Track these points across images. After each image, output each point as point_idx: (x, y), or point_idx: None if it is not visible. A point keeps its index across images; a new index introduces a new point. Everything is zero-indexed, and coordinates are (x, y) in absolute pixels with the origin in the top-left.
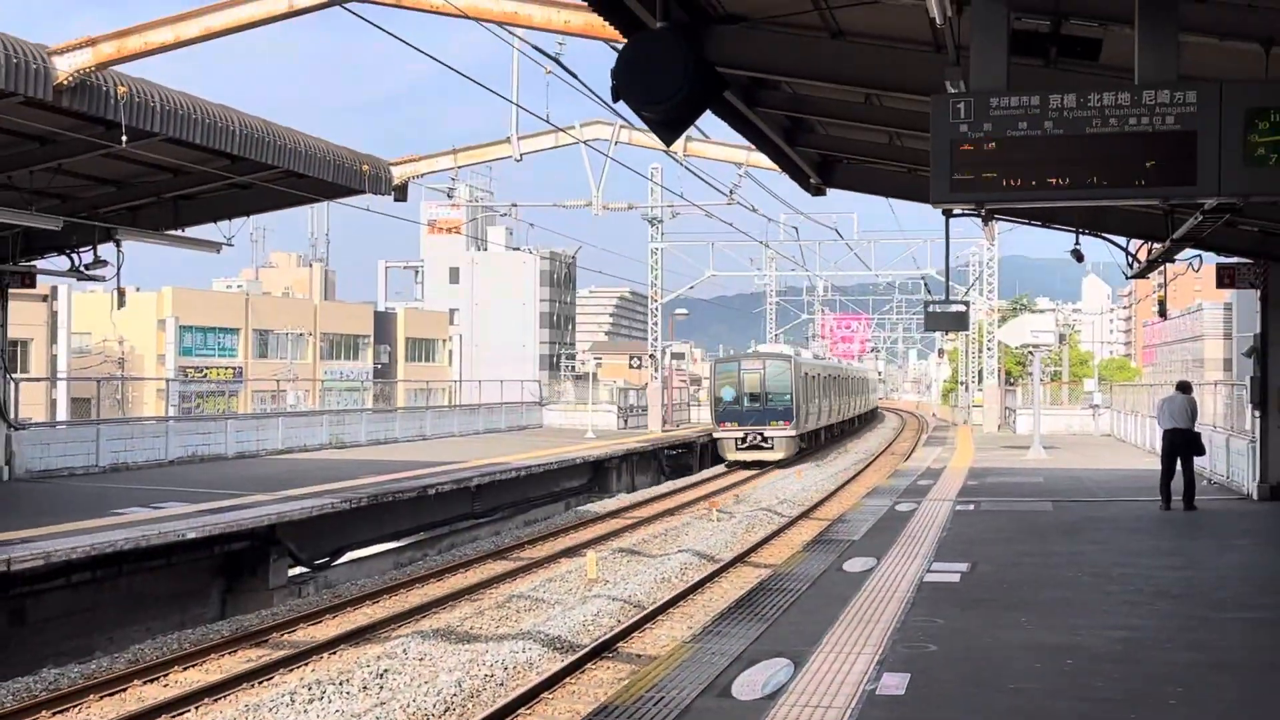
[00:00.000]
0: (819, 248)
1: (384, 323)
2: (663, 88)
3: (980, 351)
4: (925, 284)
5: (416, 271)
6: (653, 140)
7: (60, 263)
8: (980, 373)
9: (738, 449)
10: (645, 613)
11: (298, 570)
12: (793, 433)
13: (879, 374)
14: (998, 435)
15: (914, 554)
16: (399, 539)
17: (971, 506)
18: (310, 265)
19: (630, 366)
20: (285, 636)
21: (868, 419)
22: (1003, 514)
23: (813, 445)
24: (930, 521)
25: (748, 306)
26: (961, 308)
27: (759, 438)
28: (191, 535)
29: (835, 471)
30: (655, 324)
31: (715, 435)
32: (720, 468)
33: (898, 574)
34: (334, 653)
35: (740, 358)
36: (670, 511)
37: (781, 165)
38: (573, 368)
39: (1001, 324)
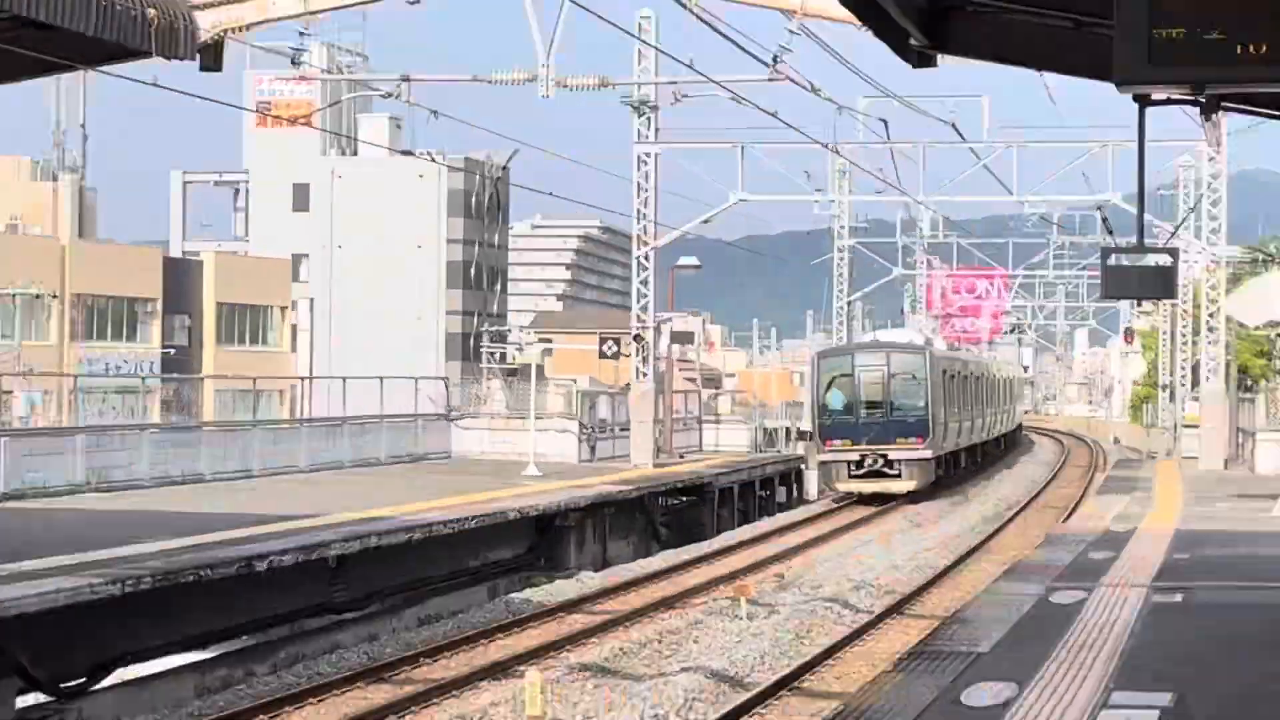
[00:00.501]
0: (924, 156)
1: (181, 277)
2: None
3: (1196, 334)
4: (1103, 219)
5: (237, 191)
6: None
7: None
8: (1195, 370)
9: (851, 476)
10: None
11: (33, 699)
12: (928, 454)
13: (1025, 370)
14: (1224, 475)
15: (1079, 677)
16: (206, 646)
17: (1178, 598)
18: (55, 180)
19: (602, 355)
20: None
21: (1007, 444)
22: (1232, 611)
23: (950, 473)
24: (1107, 622)
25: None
26: (1165, 259)
27: (881, 461)
28: None
29: (947, 536)
30: (644, 283)
31: (821, 458)
32: (762, 525)
33: (1052, 712)
34: None
35: (855, 349)
36: (669, 602)
37: (862, 15)
38: (503, 355)
39: (1233, 288)
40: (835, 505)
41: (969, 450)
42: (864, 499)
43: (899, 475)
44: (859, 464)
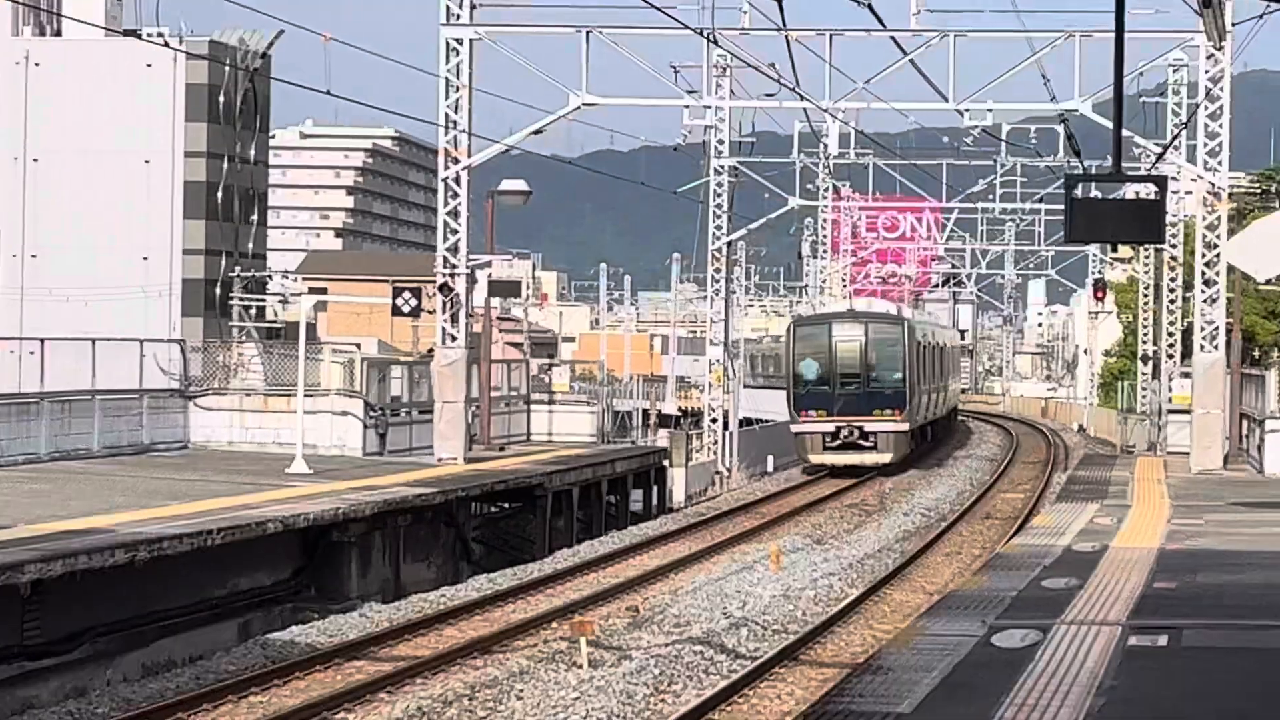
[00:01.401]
0: (830, 48)
1: None
2: None
3: (1189, 290)
4: (1068, 135)
5: None
6: None
7: None
8: (1186, 337)
9: (826, 448)
10: None
11: None
12: (905, 427)
13: (961, 335)
14: (1222, 476)
15: None
16: None
17: (1162, 640)
18: None
19: (396, 311)
20: None
21: (941, 431)
22: (1232, 658)
23: (920, 445)
24: (1069, 674)
25: (665, 176)
26: (1149, 190)
27: (857, 433)
28: None
29: (858, 555)
30: (454, 214)
31: (794, 429)
32: (611, 541)
33: None
34: None
35: (832, 318)
36: (485, 644)
37: None
38: (261, 310)
39: (1237, 228)
40: (710, 514)
41: (932, 424)
42: (836, 472)
43: (875, 448)
44: (834, 436)
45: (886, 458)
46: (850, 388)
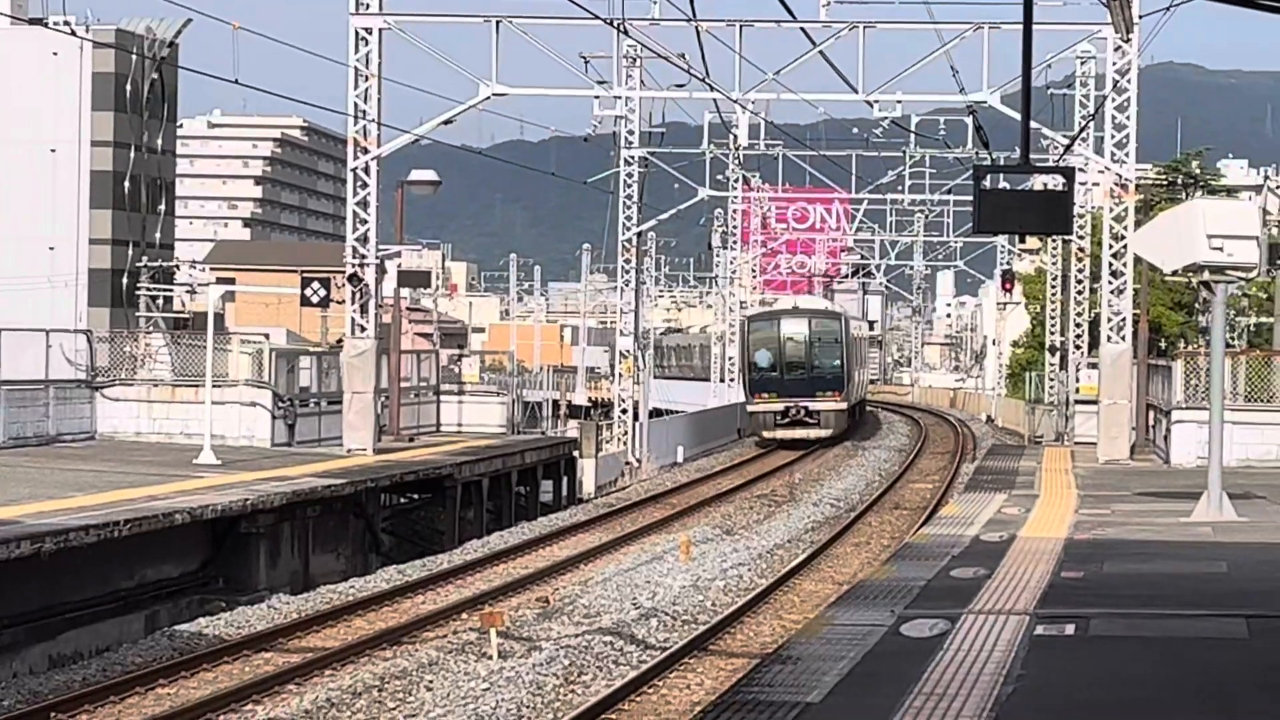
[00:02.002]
0: (740, 38)
1: None
2: None
3: (1096, 280)
4: (976, 126)
5: None
6: None
7: None
8: (1094, 328)
9: (777, 425)
10: None
11: None
12: (843, 405)
13: (871, 327)
14: (1129, 466)
15: None
16: None
17: (1069, 629)
18: None
19: (305, 302)
20: None
21: (851, 423)
22: (1138, 646)
23: (854, 420)
24: (977, 662)
25: (576, 167)
26: (1057, 181)
27: (803, 411)
28: None
29: (767, 545)
30: (363, 204)
31: (750, 409)
32: (521, 532)
33: None
34: None
35: (780, 314)
36: (395, 635)
37: None
38: (168, 300)
39: (1145, 219)
40: (621, 505)
41: (860, 403)
42: (785, 444)
43: (819, 424)
44: (784, 414)
45: (828, 432)
46: (797, 373)
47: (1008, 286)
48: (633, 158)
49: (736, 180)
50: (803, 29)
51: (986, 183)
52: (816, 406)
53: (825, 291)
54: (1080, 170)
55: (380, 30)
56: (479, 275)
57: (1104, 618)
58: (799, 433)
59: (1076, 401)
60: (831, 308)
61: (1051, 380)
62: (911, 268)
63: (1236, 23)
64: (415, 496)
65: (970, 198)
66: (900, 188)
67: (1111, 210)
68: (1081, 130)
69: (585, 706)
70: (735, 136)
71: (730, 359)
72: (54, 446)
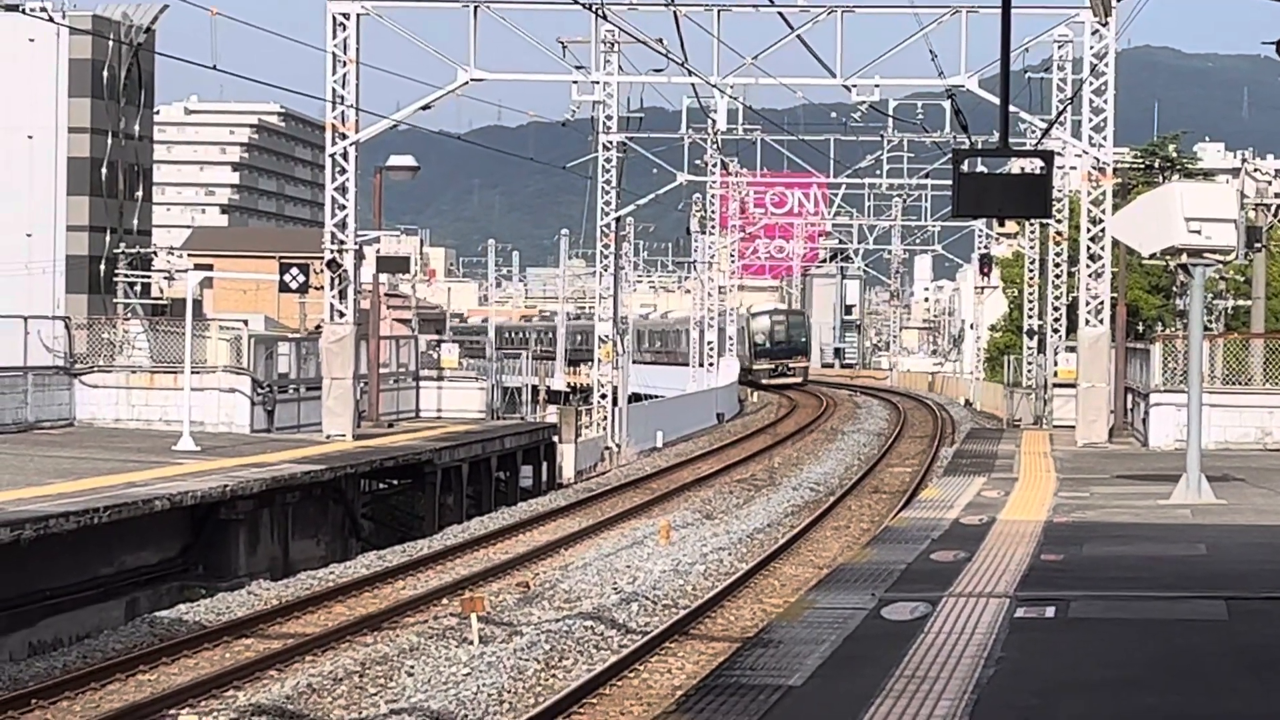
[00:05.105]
0: (718, 22)
1: None
2: None
3: (1074, 264)
4: (955, 110)
5: None
6: None
7: None
8: (1072, 311)
9: (769, 377)
10: None
11: None
12: (806, 364)
13: (850, 311)
14: (1107, 449)
15: (921, 719)
16: None
17: (1050, 611)
18: None
19: (283, 288)
20: None
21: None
22: (1118, 628)
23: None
24: (957, 645)
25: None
26: (1036, 165)
27: (784, 368)
28: None
29: (747, 530)
30: (342, 190)
31: (755, 367)
32: (500, 517)
33: None
34: None
35: (770, 313)
36: (375, 621)
37: None
38: (146, 287)
39: (1122, 202)
40: (601, 490)
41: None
42: (772, 388)
43: (794, 374)
44: (774, 371)
45: (799, 379)
46: (780, 346)
47: (985, 270)
48: (611, 143)
49: (715, 165)
50: (780, 13)
51: (965, 166)
52: (792, 365)
53: (803, 275)
54: (1058, 154)
55: (358, 15)
56: (457, 261)
57: (1084, 600)
58: (781, 380)
59: (1055, 385)
60: (797, 308)
61: (1030, 364)
62: (890, 252)
63: (1213, 6)
64: (395, 482)
65: (948, 182)
66: (878, 172)
67: (1089, 194)
68: (1060, 114)
69: (566, 691)
70: (713, 121)
71: (710, 344)
72: (32, 433)
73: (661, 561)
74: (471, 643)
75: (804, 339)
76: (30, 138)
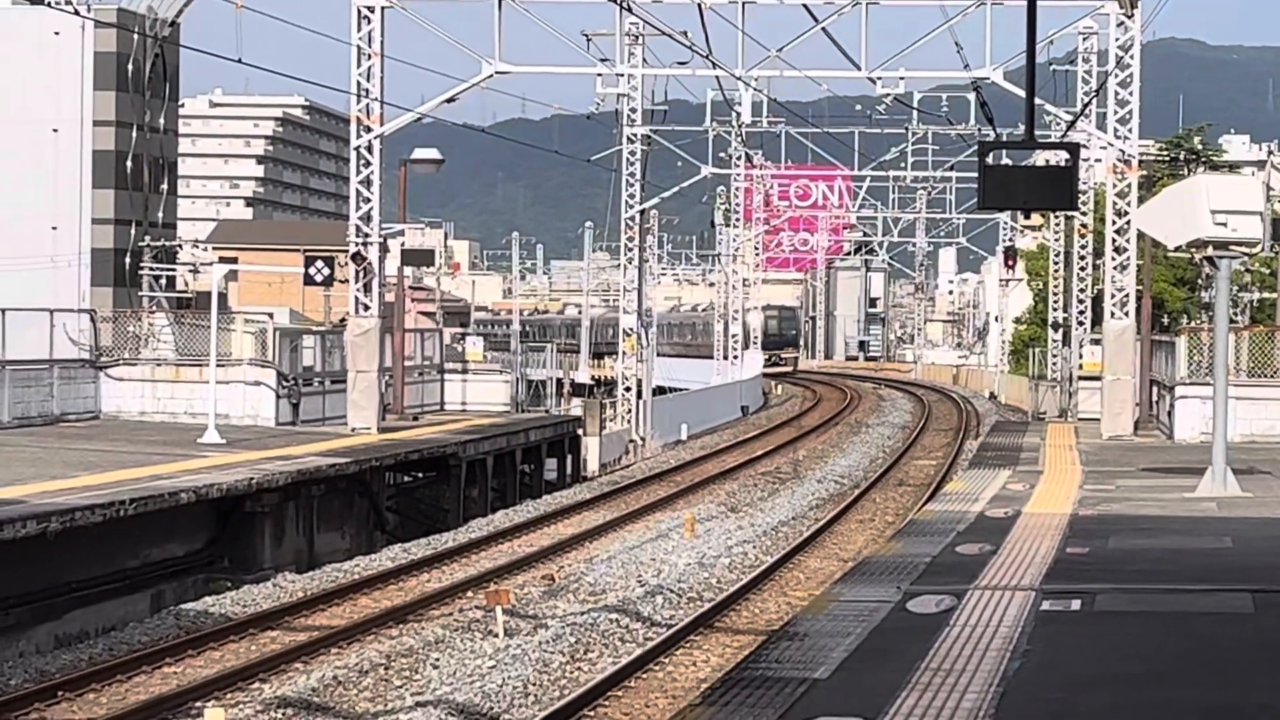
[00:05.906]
0: (743, 15)
1: None
2: None
3: (1099, 257)
4: (980, 103)
5: None
6: None
7: None
8: (1097, 304)
9: (768, 364)
10: None
11: None
12: (797, 354)
13: (874, 304)
14: (1133, 442)
15: (946, 712)
16: None
17: (1075, 605)
18: None
19: (308, 280)
20: None
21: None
22: (1143, 621)
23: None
24: (983, 638)
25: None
26: (1061, 157)
27: (779, 357)
28: None
29: (772, 522)
30: (366, 183)
31: (761, 356)
32: (525, 510)
33: None
34: None
35: (768, 309)
36: (400, 613)
37: None
38: (171, 280)
39: (1148, 195)
40: (625, 483)
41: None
42: (770, 375)
43: (785, 364)
44: (768, 360)
45: (791, 367)
46: (773, 338)
47: (1010, 263)
48: (635, 135)
49: (739, 158)
50: (805, 6)
51: (991, 159)
52: (786, 355)
53: (827, 269)
54: (1084, 147)
55: (382, 8)
56: (481, 254)
57: (1109, 593)
58: (778, 369)
59: (1080, 378)
60: (789, 304)
61: (1054, 357)
62: (914, 244)
63: None
64: (420, 475)
65: (973, 174)
66: (903, 164)
67: (1114, 186)
68: (1085, 106)
69: (592, 684)
70: (738, 114)
71: (734, 336)
72: (58, 426)
73: (686, 554)
74: (496, 635)
75: (794, 332)
76: (55, 131)
